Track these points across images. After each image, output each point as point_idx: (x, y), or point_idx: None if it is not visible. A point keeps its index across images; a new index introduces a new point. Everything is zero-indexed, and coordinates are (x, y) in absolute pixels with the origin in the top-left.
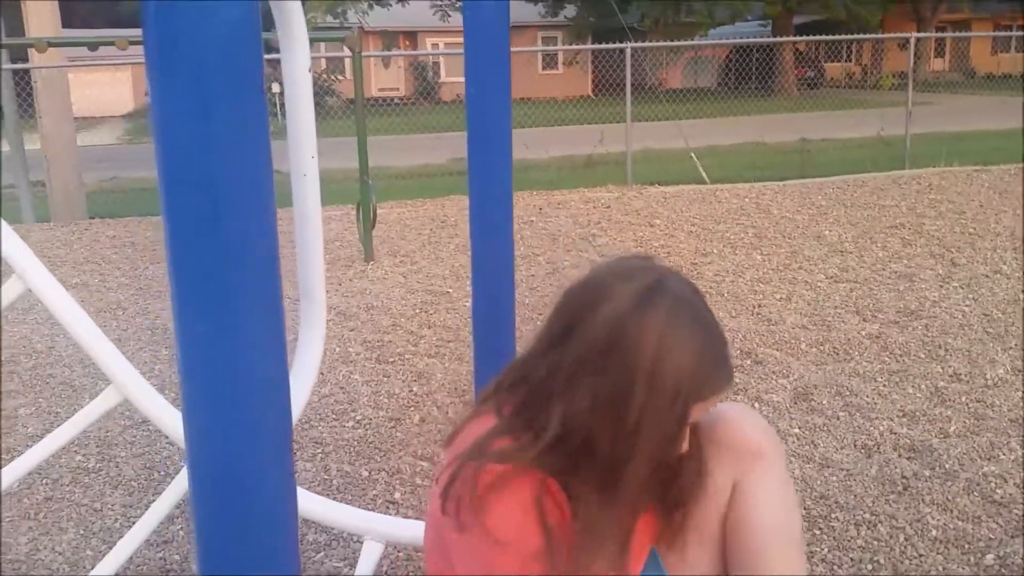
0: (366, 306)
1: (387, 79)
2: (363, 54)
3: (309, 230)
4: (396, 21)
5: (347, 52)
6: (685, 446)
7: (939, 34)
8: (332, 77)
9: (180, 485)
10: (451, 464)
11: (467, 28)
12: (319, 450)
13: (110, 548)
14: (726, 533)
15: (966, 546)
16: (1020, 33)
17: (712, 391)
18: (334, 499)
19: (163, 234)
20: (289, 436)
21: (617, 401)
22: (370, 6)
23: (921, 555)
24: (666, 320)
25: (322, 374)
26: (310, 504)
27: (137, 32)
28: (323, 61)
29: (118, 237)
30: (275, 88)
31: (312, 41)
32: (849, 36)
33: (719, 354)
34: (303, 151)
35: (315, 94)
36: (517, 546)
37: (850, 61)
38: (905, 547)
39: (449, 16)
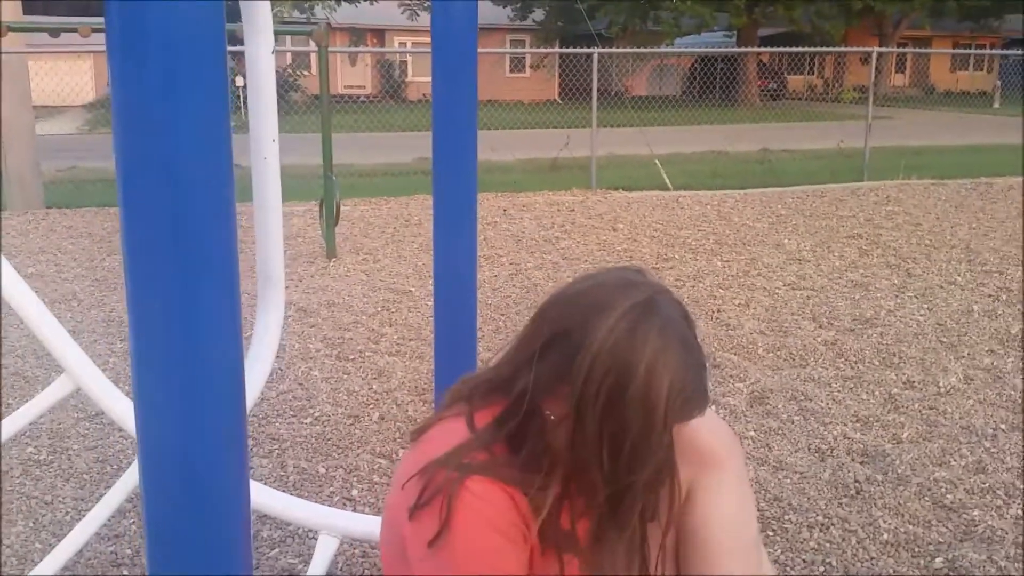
0: (327, 303)
1: (353, 76)
2: (329, 49)
3: (269, 213)
4: (364, 18)
5: (313, 47)
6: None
7: (900, 49)
8: (297, 72)
9: (131, 478)
10: (423, 471)
11: (435, 28)
12: (276, 446)
13: (60, 541)
14: (681, 536)
15: (916, 550)
16: (978, 51)
17: (692, 414)
18: (290, 495)
19: (119, 222)
20: (243, 427)
21: (614, 429)
22: (338, 2)
23: (872, 558)
24: (658, 342)
25: (280, 370)
26: (265, 498)
27: (101, 20)
28: (288, 56)
29: (75, 227)
30: (239, 82)
31: (277, 35)
32: (812, 49)
33: (701, 377)
34: (264, 134)
35: (279, 88)
36: (490, 569)
37: (812, 74)
38: (857, 550)
39: (417, 15)
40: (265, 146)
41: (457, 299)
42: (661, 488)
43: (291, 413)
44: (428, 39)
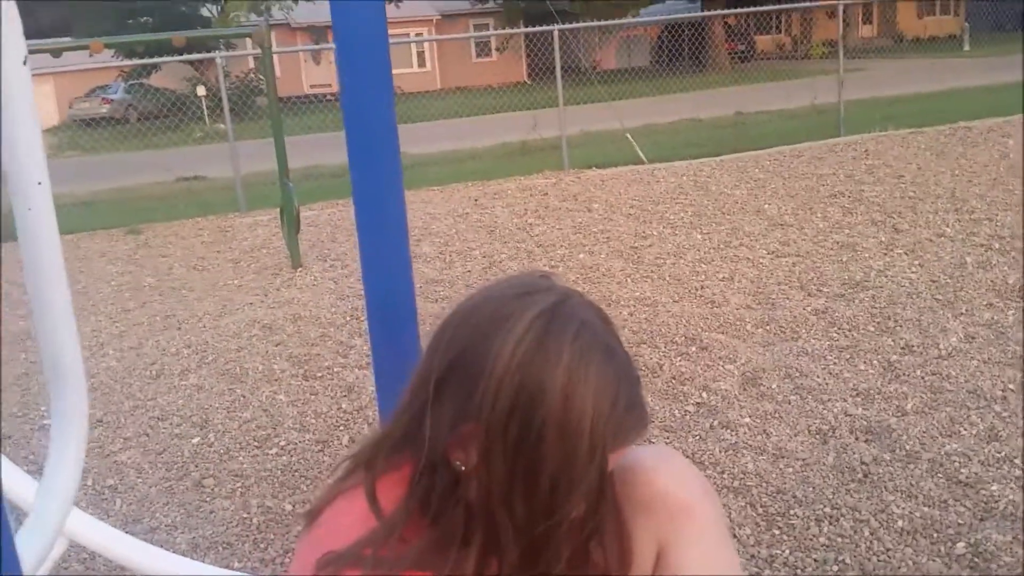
0: (293, 317)
1: (319, 75)
2: (290, 49)
3: (48, 282)
4: (324, 15)
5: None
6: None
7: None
8: (260, 77)
9: None
10: (323, 571)
11: (335, 16)
12: (239, 484)
13: None
14: None
15: (935, 535)
16: None
17: (628, 436)
18: (254, 539)
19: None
20: None
21: (529, 466)
22: (295, 0)
23: (889, 549)
24: (573, 353)
25: (244, 397)
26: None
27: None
28: (250, 60)
29: None
30: (200, 91)
31: (217, 39)
32: (777, 7)
33: (633, 391)
34: (26, 177)
35: (245, 94)
36: None
37: (780, 32)
38: (871, 542)
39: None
40: (30, 193)
41: (394, 322)
42: (599, 538)
43: (255, 444)
44: (395, 31)
